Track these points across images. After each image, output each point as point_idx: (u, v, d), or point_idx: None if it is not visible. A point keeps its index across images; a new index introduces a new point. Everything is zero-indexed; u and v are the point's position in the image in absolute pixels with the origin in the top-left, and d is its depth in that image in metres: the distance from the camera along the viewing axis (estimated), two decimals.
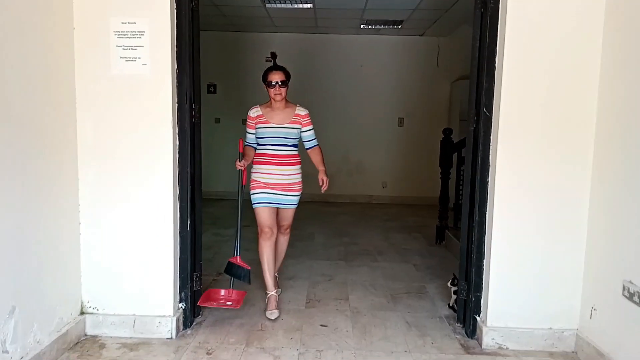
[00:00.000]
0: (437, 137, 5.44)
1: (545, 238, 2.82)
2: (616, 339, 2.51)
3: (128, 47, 2.78)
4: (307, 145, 3.41)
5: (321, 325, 3.16)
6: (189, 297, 3.04)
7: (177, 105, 2.88)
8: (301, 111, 3.33)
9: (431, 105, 7.64)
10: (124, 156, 2.84)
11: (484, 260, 2.92)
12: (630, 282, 2.38)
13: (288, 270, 4.16)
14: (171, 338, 2.90)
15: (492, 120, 2.84)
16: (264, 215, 3.29)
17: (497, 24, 2.79)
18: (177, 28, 2.84)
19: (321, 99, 7.38)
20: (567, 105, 2.74)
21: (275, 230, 3.35)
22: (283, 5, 5.88)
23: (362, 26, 6.95)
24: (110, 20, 2.77)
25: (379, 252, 4.95)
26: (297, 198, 3.37)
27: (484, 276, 2.93)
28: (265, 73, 3.29)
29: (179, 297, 3.01)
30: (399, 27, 6.89)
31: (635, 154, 2.40)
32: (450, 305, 3.42)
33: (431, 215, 5.96)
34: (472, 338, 2.99)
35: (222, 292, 3.29)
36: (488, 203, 2.88)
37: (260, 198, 3.28)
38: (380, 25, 6.88)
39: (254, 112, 3.32)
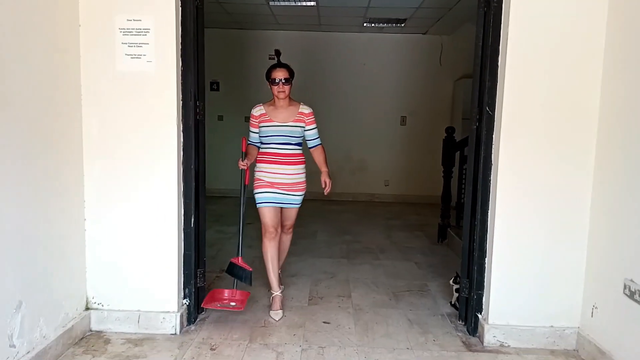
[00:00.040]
0: (440, 136, 5.45)
1: (546, 237, 2.83)
2: (617, 337, 2.52)
3: (133, 45, 2.80)
4: (310, 144, 3.39)
5: (324, 322, 3.17)
6: (192, 294, 3.06)
7: (181, 102, 2.90)
8: (305, 109, 3.31)
9: (434, 103, 7.64)
10: (129, 153, 2.86)
11: (486, 259, 2.94)
12: (631, 280, 2.39)
13: (291, 267, 4.18)
14: (175, 334, 2.93)
15: (495, 119, 2.85)
16: (268, 215, 3.27)
17: (500, 23, 2.80)
18: (181, 25, 2.86)
19: (324, 97, 7.39)
20: (569, 104, 2.75)
21: (279, 230, 3.34)
22: (286, 3, 5.89)
23: (365, 24, 6.95)
24: (116, 18, 2.79)
25: (381, 250, 4.97)
26: (300, 198, 3.34)
27: (485, 274, 2.95)
28: (268, 70, 3.26)
29: (183, 293, 3.03)
30: (402, 25, 6.90)
31: (635, 154, 2.41)
32: (452, 303, 3.44)
33: (433, 213, 5.98)
34: (473, 335, 3.01)
35: (226, 292, 3.29)
36: (490, 202, 2.90)
37: (265, 197, 3.25)
38: (384, 23, 6.88)
39: (257, 111, 3.29)
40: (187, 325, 3.05)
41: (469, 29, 5.96)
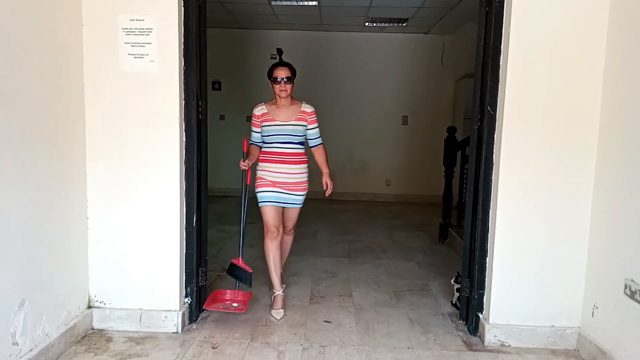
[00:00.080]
0: (441, 136, 5.45)
1: (547, 236, 2.84)
2: (618, 337, 2.53)
3: (136, 44, 2.81)
4: (312, 143, 3.37)
5: (325, 321, 3.18)
6: (194, 292, 3.07)
7: (184, 102, 2.91)
8: (307, 108, 3.29)
9: (435, 103, 7.64)
10: (131, 152, 2.87)
11: (487, 258, 2.94)
12: (632, 280, 2.39)
13: (292, 266, 4.18)
14: (177, 332, 2.94)
15: (496, 119, 2.86)
16: (270, 215, 3.26)
17: (502, 22, 2.80)
18: (184, 25, 2.87)
19: (325, 97, 7.40)
20: (570, 104, 2.76)
21: (281, 230, 3.33)
22: (288, 3, 5.89)
23: (366, 24, 6.95)
24: (119, 17, 2.80)
25: (383, 249, 4.98)
26: (302, 198, 3.32)
27: (486, 274, 2.95)
28: (270, 69, 3.24)
29: (184, 292, 3.04)
30: (404, 25, 6.90)
31: (636, 154, 2.41)
32: (453, 302, 3.44)
33: (435, 213, 5.98)
34: (474, 335, 3.01)
35: (228, 293, 3.29)
36: (491, 201, 2.90)
37: (267, 197, 3.24)
38: (385, 23, 6.88)
39: (259, 110, 3.28)
40: (188, 324, 3.06)
41: (471, 29, 5.96)
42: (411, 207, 7.30)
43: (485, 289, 2.97)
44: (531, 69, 2.74)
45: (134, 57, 2.82)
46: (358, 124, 7.69)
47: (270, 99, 3.34)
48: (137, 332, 2.93)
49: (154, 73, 2.82)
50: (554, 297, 2.87)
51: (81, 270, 2.89)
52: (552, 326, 2.87)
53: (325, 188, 3.38)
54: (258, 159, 3.32)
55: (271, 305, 3.34)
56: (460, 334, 3.05)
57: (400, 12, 6.31)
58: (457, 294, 3.35)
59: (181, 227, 2.96)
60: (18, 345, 2.29)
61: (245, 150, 3.24)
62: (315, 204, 5.78)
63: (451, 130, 5.21)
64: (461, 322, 3.18)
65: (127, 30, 2.80)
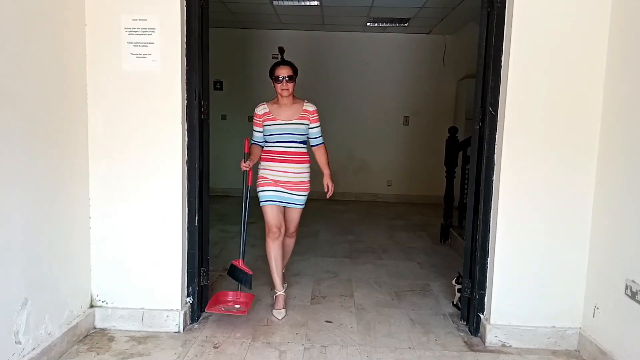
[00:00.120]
0: (443, 136, 5.45)
1: (548, 237, 2.84)
2: (619, 337, 2.53)
3: (139, 44, 2.81)
4: (313, 142, 3.36)
5: (326, 321, 3.19)
6: (196, 292, 3.08)
7: (186, 101, 2.91)
8: (309, 107, 3.27)
9: (437, 103, 7.64)
10: (134, 152, 2.88)
11: (488, 259, 2.95)
12: (633, 281, 2.40)
13: (293, 266, 4.19)
14: (179, 332, 2.95)
15: (498, 119, 2.86)
16: (272, 214, 3.25)
17: (504, 23, 2.80)
18: (186, 25, 2.87)
19: (327, 97, 7.39)
20: (572, 105, 2.76)
21: (283, 230, 3.31)
22: (290, 3, 5.89)
23: (368, 24, 6.96)
24: (122, 17, 2.81)
25: (384, 250, 4.98)
26: (304, 198, 3.31)
27: (487, 274, 2.96)
28: (272, 68, 3.23)
29: (186, 292, 3.05)
30: (406, 25, 6.90)
31: (637, 154, 2.42)
32: (454, 303, 3.45)
33: (436, 213, 5.99)
34: (475, 335, 3.02)
35: (230, 295, 3.29)
36: (492, 202, 2.91)
37: (268, 196, 3.23)
38: (387, 23, 6.88)
39: (261, 110, 3.27)
40: (190, 324, 3.06)
41: (473, 29, 5.96)
42: (412, 207, 7.30)
43: (487, 290, 2.97)
44: (532, 70, 2.75)
45: (137, 57, 2.82)
46: (359, 124, 7.69)
47: (271, 98, 3.34)
48: (139, 331, 2.94)
49: (157, 73, 2.83)
50: (554, 298, 2.87)
51: (83, 270, 2.90)
52: (553, 327, 2.88)
53: (326, 190, 3.37)
54: (260, 158, 3.30)
55: (272, 305, 3.34)
56: (461, 334, 3.05)
57: (402, 12, 6.31)
58: (458, 295, 3.36)
59: (183, 226, 2.96)
60: (21, 344, 2.30)
61: (246, 151, 3.23)
62: (317, 204, 5.78)
63: (452, 130, 5.21)
64: (462, 322, 3.18)
65: (129, 30, 2.81)
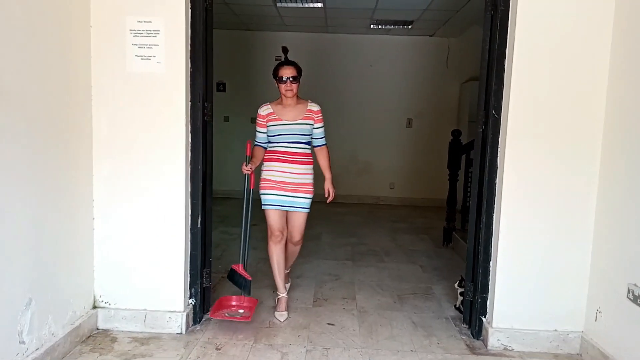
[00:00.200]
0: (446, 139, 5.45)
1: (551, 240, 2.84)
2: (621, 341, 2.52)
3: (143, 46, 2.83)
4: (316, 142, 3.31)
5: (328, 324, 3.19)
6: (198, 293, 3.09)
7: (190, 103, 2.92)
8: (314, 106, 3.25)
9: (440, 106, 7.64)
10: (138, 153, 2.89)
11: (491, 262, 2.95)
12: (635, 285, 2.39)
13: (296, 269, 4.19)
14: (181, 333, 2.95)
15: (501, 122, 2.86)
16: (274, 218, 3.23)
17: (507, 26, 2.81)
18: (191, 27, 2.89)
19: (330, 99, 7.39)
20: (575, 108, 2.76)
21: (285, 233, 3.29)
22: (294, 5, 5.91)
23: (372, 26, 6.97)
24: (127, 19, 2.82)
25: (386, 252, 4.98)
26: (307, 201, 3.24)
27: (490, 278, 2.95)
28: (276, 68, 3.19)
29: (189, 293, 3.05)
30: (409, 27, 6.91)
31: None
32: (457, 306, 3.44)
33: (439, 217, 5.99)
34: (477, 339, 3.01)
35: (234, 300, 3.27)
36: (495, 205, 2.90)
37: (271, 199, 3.20)
38: (391, 25, 6.89)
39: (264, 110, 3.24)
40: (192, 325, 3.07)
41: (476, 31, 5.96)
42: (415, 210, 7.30)
43: (489, 293, 2.97)
44: (535, 73, 2.75)
45: (141, 59, 2.84)
46: (362, 126, 7.70)
47: (275, 99, 3.32)
48: (141, 332, 2.94)
49: (161, 74, 2.84)
50: (557, 302, 2.87)
51: (87, 271, 2.91)
52: (555, 330, 2.87)
53: (326, 195, 3.34)
54: (263, 159, 3.27)
55: (275, 308, 3.34)
56: (463, 337, 3.05)
57: (406, 15, 6.32)
58: (460, 298, 3.35)
59: (186, 228, 2.97)
60: (25, 344, 2.31)
61: (248, 154, 3.20)
62: (319, 207, 5.78)
63: (456, 133, 5.21)
64: (464, 325, 3.18)
65: (134, 31, 2.82)
